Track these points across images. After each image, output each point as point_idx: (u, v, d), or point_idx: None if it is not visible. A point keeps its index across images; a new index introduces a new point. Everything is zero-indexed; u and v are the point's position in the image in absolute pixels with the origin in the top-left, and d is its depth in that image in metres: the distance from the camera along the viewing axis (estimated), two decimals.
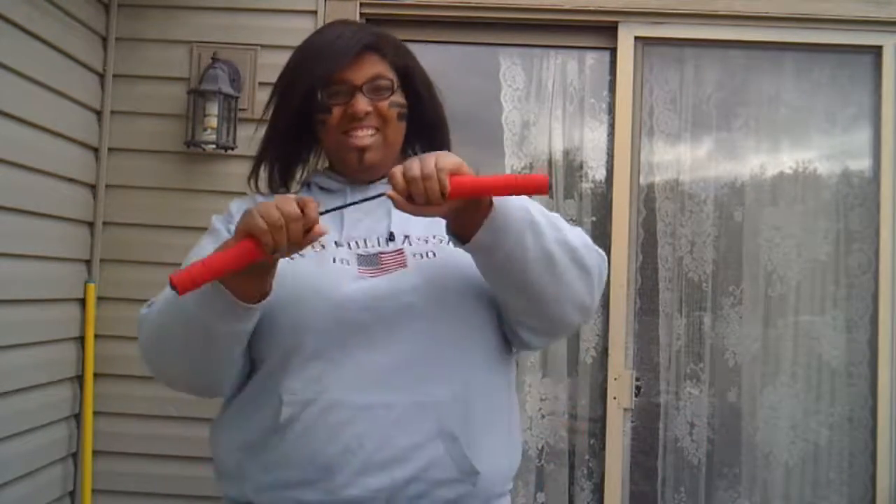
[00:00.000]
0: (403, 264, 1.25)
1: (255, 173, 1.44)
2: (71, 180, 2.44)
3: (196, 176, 2.59)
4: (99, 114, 2.58)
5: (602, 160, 2.77)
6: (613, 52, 2.70)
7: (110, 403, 2.54)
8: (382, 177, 1.37)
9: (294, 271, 1.25)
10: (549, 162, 2.78)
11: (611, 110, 2.73)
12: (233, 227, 1.33)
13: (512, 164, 2.76)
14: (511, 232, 1.14)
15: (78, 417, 2.51)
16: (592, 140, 2.77)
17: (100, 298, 2.55)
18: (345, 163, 1.37)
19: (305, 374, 1.21)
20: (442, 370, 1.21)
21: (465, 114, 2.84)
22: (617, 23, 2.67)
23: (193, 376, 1.27)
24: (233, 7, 2.63)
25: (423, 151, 1.43)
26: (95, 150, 2.57)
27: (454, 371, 1.22)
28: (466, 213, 1.14)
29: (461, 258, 1.22)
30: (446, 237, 1.26)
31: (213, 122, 2.49)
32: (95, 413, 2.51)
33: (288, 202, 1.06)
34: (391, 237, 1.30)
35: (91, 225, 2.57)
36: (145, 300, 2.63)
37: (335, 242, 1.30)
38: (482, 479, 1.22)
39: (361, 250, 1.28)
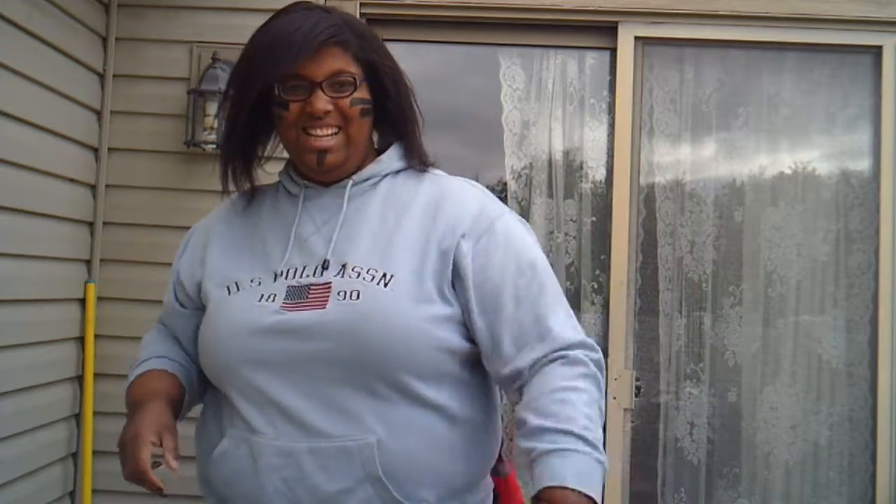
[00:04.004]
0: (324, 305, 1.17)
1: (224, 174, 1.34)
2: (71, 180, 2.44)
3: (196, 176, 2.59)
4: (99, 114, 2.58)
5: (602, 160, 2.77)
6: (613, 52, 2.70)
7: (110, 403, 2.53)
8: (345, 177, 1.29)
9: (223, 310, 1.24)
10: (549, 162, 2.77)
11: (611, 110, 2.73)
12: (182, 263, 1.36)
13: (512, 163, 2.76)
14: None
15: (78, 417, 2.51)
16: (592, 140, 2.77)
17: (100, 298, 2.55)
18: (304, 163, 1.28)
19: (240, 413, 1.20)
20: (363, 416, 1.16)
21: (465, 114, 2.85)
22: (617, 23, 2.67)
23: None
24: (233, 7, 2.63)
25: (393, 144, 1.35)
26: (95, 150, 2.57)
27: (378, 416, 1.16)
28: None
29: (390, 303, 1.16)
30: (382, 272, 1.19)
31: (213, 122, 2.49)
32: (95, 413, 2.51)
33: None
34: (325, 265, 1.22)
35: (91, 225, 2.57)
36: (145, 300, 2.64)
37: (274, 273, 1.24)
38: None
39: (294, 281, 1.22)
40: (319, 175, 1.29)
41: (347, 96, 1.23)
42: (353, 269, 1.20)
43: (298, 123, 1.23)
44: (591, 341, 1.26)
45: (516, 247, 1.25)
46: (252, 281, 1.25)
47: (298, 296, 1.20)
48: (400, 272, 1.19)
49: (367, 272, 1.19)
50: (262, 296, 1.22)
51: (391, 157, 1.32)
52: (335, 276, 1.20)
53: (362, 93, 1.26)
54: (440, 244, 1.22)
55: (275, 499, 1.16)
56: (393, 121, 1.33)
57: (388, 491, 1.16)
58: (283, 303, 1.19)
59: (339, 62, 1.23)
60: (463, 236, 1.22)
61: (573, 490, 1.10)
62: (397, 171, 1.32)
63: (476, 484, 1.28)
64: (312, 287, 1.20)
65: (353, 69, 1.24)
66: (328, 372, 1.16)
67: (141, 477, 1.12)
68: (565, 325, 1.24)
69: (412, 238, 1.23)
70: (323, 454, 1.15)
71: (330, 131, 1.23)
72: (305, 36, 1.20)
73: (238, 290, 1.25)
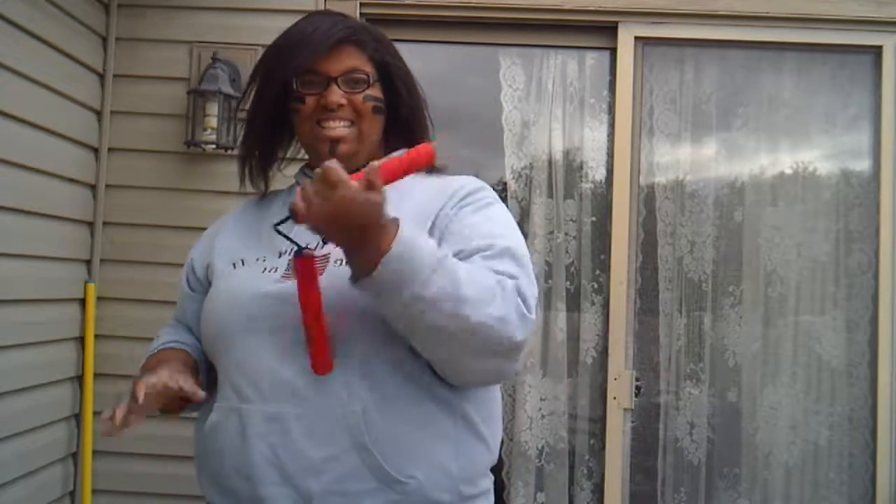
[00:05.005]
0: (321, 272, 1.20)
1: (241, 172, 1.42)
2: (71, 180, 2.44)
3: (196, 176, 2.59)
4: (99, 114, 2.58)
5: (602, 160, 2.77)
6: (613, 52, 2.70)
7: (110, 403, 2.53)
8: (356, 170, 1.32)
9: (227, 281, 1.30)
10: (549, 162, 2.77)
11: (611, 110, 2.73)
12: (195, 252, 1.44)
13: (512, 163, 2.76)
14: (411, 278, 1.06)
15: (78, 417, 2.51)
16: (592, 140, 2.77)
17: (100, 298, 2.55)
18: (317, 153, 1.34)
19: (231, 382, 1.23)
20: (351, 381, 1.17)
21: (465, 114, 2.85)
22: (617, 23, 2.67)
23: None
24: (233, 7, 2.63)
25: (401, 147, 1.38)
26: (95, 150, 2.57)
27: (366, 382, 1.17)
28: (361, 241, 1.06)
29: None
30: None
31: (213, 122, 2.49)
32: (95, 413, 2.51)
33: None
34: (325, 240, 1.23)
35: (91, 225, 2.57)
36: (145, 300, 2.64)
37: (279, 252, 1.29)
38: (412, 487, 1.18)
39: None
40: None
41: (360, 92, 1.31)
42: None
43: (314, 116, 1.31)
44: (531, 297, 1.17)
45: (494, 219, 1.28)
46: (258, 259, 1.31)
47: None
48: None
49: None
50: (265, 268, 1.28)
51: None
52: (335, 247, 1.22)
53: (375, 91, 1.33)
54: (433, 216, 1.26)
55: (261, 466, 1.17)
56: (404, 124, 1.39)
57: (374, 459, 1.16)
58: (284, 273, 1.25)
59: (354, 60, 1.31)
60: (448, 199, 1.28)
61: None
62: None
63: (474, 478, 1.27)
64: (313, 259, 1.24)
65: (368, 68, 1.33)
66: None
67: (133, 389, 1.18)
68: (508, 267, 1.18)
69: (411, 214, 1.24)
70: (310, 419, 1.17)
71: (342, 124, 1.31)
72: (323, 34, 1.30)
73: (243, 265, 1.31)
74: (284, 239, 1.26)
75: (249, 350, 1.22)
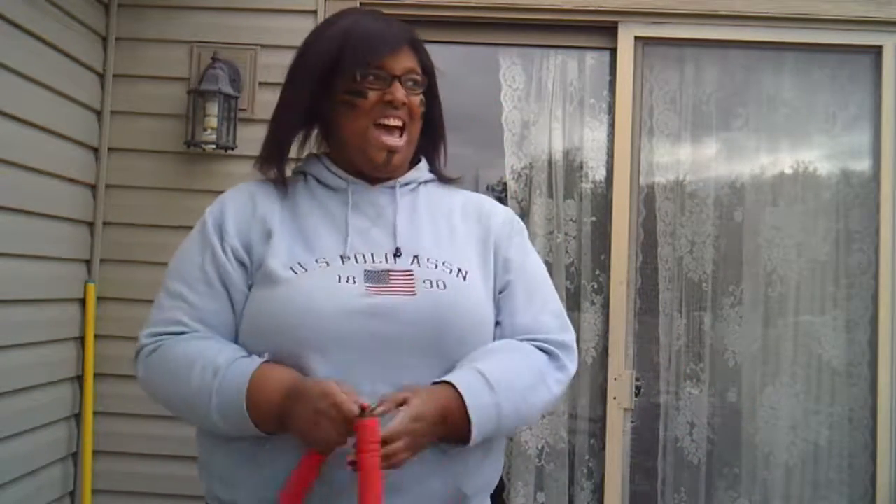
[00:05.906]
0: (412, 291, 1.22)
1: (270, 150, 1.37)
2: (71, 180, 2.44)
3: (196, 176, 2.60)
4: (99, 114, 2.58)
5: (602, 160, 2.77)
6: (613, 52, 2.70)
7: (110, 403, 2.54)
8: (389, 177, 1.35)
9: (296, 289, 1.21)
10: (549, 162, 2.77)
11: (611, 110, 2.73)
12: (228, 244, 1.29)
13: (512, 163, 2.76)
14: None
15: (78, 417, 2.51)
16: (592, 140, 2.77)
17: (100, 298, 2.55)
18: (367, 156, 1.31)
19: None
20: None
21: (465, 114, 2.84)
22: (617, 23, 2.67)
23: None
24: (233, 7, 2.63)
25: (425, 153, 1.43)
26: (95, 150, 2.58)
27: None
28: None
29: (471, 296, 1.26)
30: (456, 266, 1.28)
31: (213, 122, 2.49)
32: (95, 413, 2.51)
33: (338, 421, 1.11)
34: (398, 253, 1.27)
35: (91, 225, 2.57)
36: (145, 300, 2.63)
37: (340, 257, 1.25)
38: (468, 500, 1.25)
39: (369, 266, 1.25)
40: (380, 171, 1.34)
41: (417, 94, 1.34)
42: (427, 260, 1.27)
43: (371, 113, 1.30)
44: (574, 349, 1.38)
45: (536, 260, 1.44)
46: (318, 261, 1.25)
47: (378, 280, 1.23)
48: (472, 269, 1.30)
49: (444, 265, 1.28)
50: (340, 277, 1.23)
51: (424, 168, 1.42)
52: (411, 264, 1.27)
53: (422, 96, 1.36)
54: (494, 246, 1.36)
55: (343, 481, 1.13)
56: (431, 130, 1.42)
57: (453, 482, 1.21)
58: (367, 286, 1.22)
59: (412, 62, 1.34)
60: (507, 237, 1.39)
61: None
62: (427, 181, 1.41)
63: (495, 481, 1.35)
64: (392, 273, 1.25)
65: (420, 72, 1.35)
66: (404, 358, 1.20)
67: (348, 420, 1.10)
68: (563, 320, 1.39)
69: (470, 239, 1.35)
70: None
71: (399, 123, 1.31)
72: (395, 34, 1.32)
73: (305, 270, 1.24)
74: (337, 243, 1.27)
75: (337, 367, 1.17)
